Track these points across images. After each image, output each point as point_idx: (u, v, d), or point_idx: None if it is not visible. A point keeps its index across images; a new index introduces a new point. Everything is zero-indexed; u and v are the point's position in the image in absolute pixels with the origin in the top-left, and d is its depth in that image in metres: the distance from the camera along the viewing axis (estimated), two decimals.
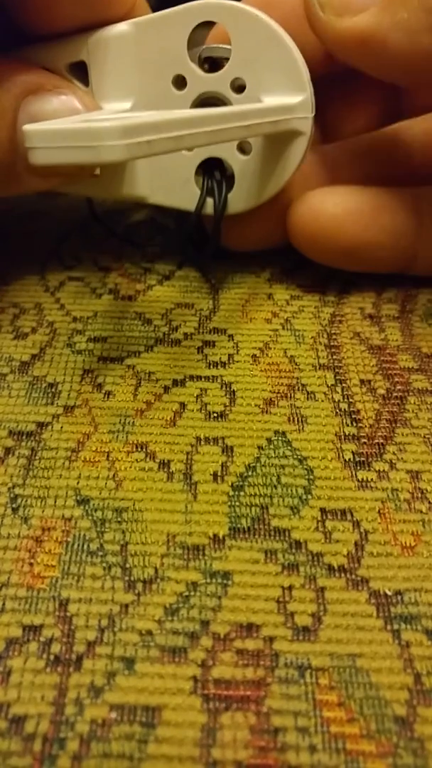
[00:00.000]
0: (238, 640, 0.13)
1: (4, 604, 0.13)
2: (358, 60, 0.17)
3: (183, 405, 0.18)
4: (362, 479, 0.16)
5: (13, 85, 0.17)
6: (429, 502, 0.15)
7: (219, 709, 0.12)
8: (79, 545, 0.14)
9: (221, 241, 0.20)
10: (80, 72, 0.19)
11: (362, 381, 0.18)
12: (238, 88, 0.18)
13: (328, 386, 0.18)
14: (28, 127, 0.14)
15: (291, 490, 0.16)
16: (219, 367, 0.19)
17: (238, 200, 0.19)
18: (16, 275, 0.22)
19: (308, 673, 0.13)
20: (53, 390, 0.18)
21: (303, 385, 0.18)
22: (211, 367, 0.19)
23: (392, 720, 0.12)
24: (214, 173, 0.19)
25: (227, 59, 0.18)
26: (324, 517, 0.15)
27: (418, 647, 0.13)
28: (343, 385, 0.18)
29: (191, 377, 0.18)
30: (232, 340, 0.20)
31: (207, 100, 0.18)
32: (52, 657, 0.13)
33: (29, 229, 0.24)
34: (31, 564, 0.14)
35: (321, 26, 0.17)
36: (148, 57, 0.18)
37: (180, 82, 0.18)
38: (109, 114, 0.18)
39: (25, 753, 0.12)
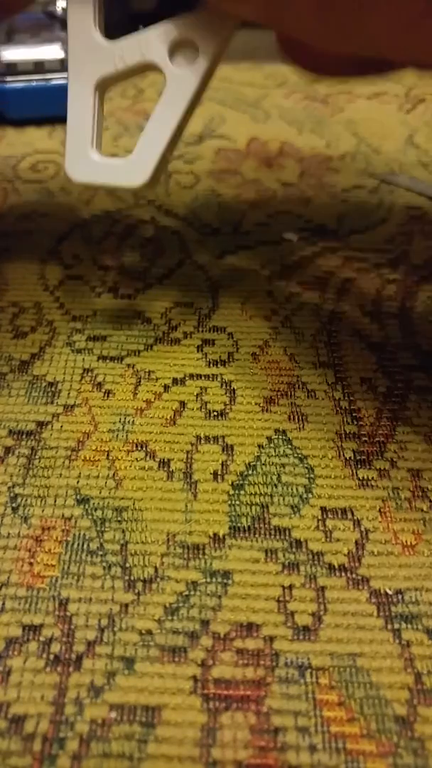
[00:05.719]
0: (238, 640, 0.13)
1: (4, 604, 0.13)
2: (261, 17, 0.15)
3: (183, 404, 0.17)
4: (363, 478, 0.16)
5: None
6: (430, 501, 0.15)
7: (219, 709, 0.12)
8: (79, 545, 0.14)
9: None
10: None
11: (363, 379, 0.18)
12: None
13: (328, 384, 0.18)
14: None
15: (291, 489, 0.15)
16: (219, 365, 0.19)
17: None
18: (15, 274, 0.22)
19: (308, 673, 0.13)
20: (53, 389, 0.18)
21: (303, 383, 0.18)
22: (211, 365, 0.19)
23: (393, 719, 0.12)
24: None
25: None
26: (324, 516, 0.15)
27: (419, 646, 0.13)
28: (344, 383, 0.18)
29: (191, 376, 0.18)
30: (232, 338, 0.19)
31: None
32: (51, 656, 0.13)
33: (29, 228, 0.24)
34: (31, 563, 0.14)
35: None
36: None
37: None
38: None
39: (24, 753, 0.12)
